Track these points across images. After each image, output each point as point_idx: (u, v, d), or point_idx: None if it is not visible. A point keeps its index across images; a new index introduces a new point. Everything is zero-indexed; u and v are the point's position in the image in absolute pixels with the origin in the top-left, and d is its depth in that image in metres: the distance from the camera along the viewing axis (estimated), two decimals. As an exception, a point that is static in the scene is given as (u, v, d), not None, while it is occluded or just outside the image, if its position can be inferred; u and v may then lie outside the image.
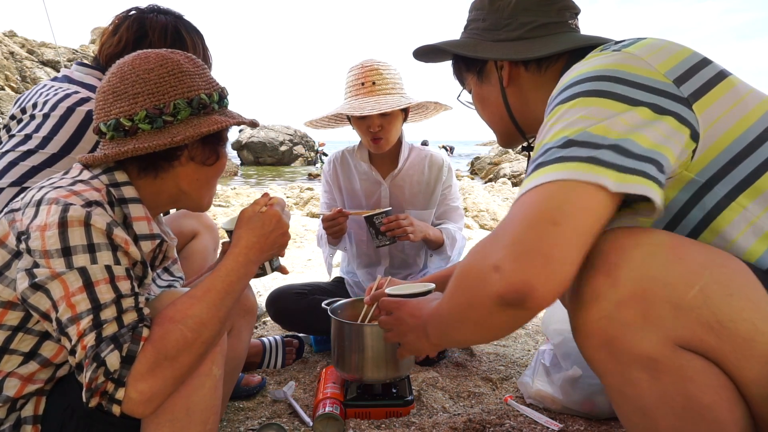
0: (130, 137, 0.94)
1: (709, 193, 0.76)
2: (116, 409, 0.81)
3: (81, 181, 0.92)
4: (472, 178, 11.86)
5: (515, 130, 1.09)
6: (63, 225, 0.83)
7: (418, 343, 0.99)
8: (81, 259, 0.83)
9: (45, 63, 13.89)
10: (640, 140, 0.69)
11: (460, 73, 1.16)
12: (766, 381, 0.67)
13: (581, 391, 1.37)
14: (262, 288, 2.79)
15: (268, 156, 25.64)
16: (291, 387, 1.59)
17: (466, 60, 1.11)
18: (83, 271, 0.83)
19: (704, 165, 0.76)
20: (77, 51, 15.22)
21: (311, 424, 1.39)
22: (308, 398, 1.57)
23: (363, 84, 1.85)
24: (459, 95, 1.19)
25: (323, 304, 1.57)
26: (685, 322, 0.67)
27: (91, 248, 0.84)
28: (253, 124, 1.07)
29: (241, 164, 25.02)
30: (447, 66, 1.20)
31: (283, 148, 25.81)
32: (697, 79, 0.77)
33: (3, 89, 12.44)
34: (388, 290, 1.27)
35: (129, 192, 0.97)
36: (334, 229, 1.88)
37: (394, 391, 1.50)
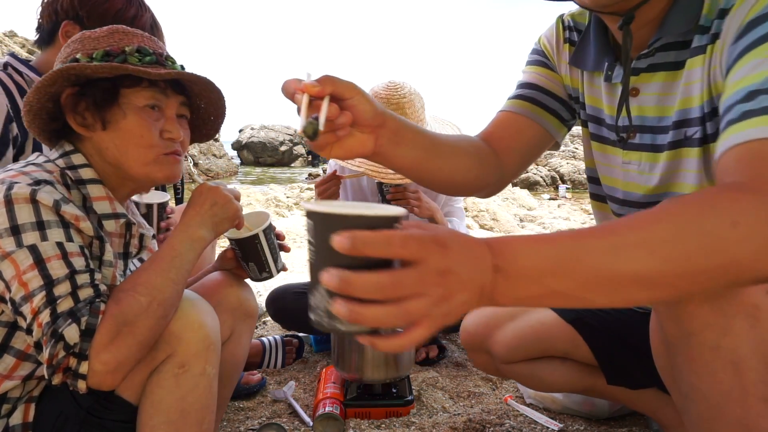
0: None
1: None
2: (82, 385, 0.80)
3: (33, 163, 0.92)
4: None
5: None
6: (9, 203, 0.82)
7: (465, 306, 0.56)
8: (30, 237, 0.82)
9: (45, 63, 13.88)
10: None
11: None
12: None
13: (581, 391, 1.37)
14: (262, 288, 2.79)
15: (268, 156, 25.65)
16: (291, 387, 1.59)
17: None
18: (33, 249, 0.82)
19: None
20: (77, 51, 15.18)
21: (311, 424, 1.39)
22: (308, 398, 1.57)
23: None
24: None
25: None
26: None
27: (40, 225, 0.83)
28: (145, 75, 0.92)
29: (241, 164, 25.03)
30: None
31: (283, 148, 25.82)
32: None
33: (3, 89, 12.41)
34: (332, 208, 0.56)
35: (86, 173, 0.95)
36: (328, 192, 1.85)
37: (394, 391, 1.50)
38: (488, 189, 1.09)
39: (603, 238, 0.58)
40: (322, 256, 0.54)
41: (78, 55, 0.93)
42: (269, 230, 1.20)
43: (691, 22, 0.81)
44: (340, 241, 0.50)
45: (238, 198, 1.08)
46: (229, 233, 1.17)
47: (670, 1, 0.84)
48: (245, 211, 1.15)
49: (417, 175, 0.97)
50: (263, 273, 1.21)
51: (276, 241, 1.24)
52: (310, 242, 0.55)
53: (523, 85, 1.13)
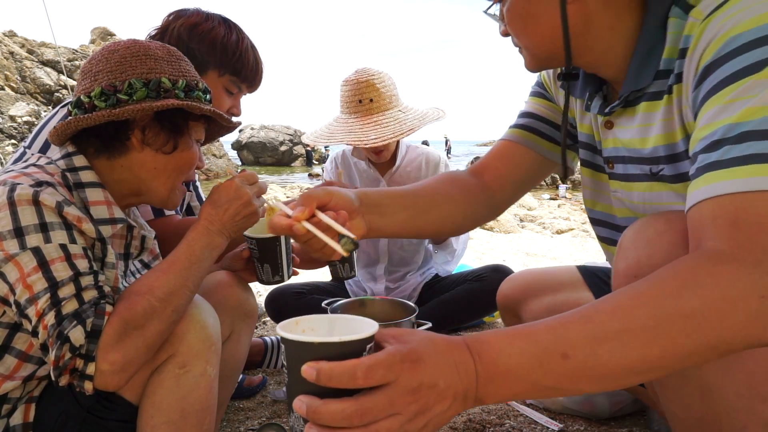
0: (87, 114, 0.92)
1: None
2: (89, 386, 0.80)
3: (35, 165, 0.92)
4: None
5: (561, 56, 0.88)
6: (12, 205, 0.82)
7: (447, 414, 0.58)
8: (34, 239, 0.82)
9: (45, 63, 13.89)
10: None
11: None
12: None
13: (581, 391, 1.37)
14: (262, 288, 2.79)
15: (268, 156, 25.65)
16: (291, 387, 1.59)
17: None
18: (37, 251, 0.82)
19: None
20: (77, 51, 15.23)
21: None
22: (308, 398, 1.56)
23: (360, 101, 1.85)
24: (488, 8, 0.96)
25: (323, 304, 1.57)
26: None
27: (43, 227, 0.83)
28: (215, 114, 0.99)
29: (241, 164, 25.02)
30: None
31: (283, 148, 25.81)
32: None
33: (3, 89, 12.44)
34: (298, 335, 0.58)
35: (87, 176, 0.95)
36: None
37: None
38: (481, 222, 1.15)
39: (582, 329, 0.57)
40: (294, 379, 0.56)
41: (163, 78, 0.95)
42: (288, 236, 1.20)
43: (652, 74, 0.80)
44: (306, 371, 0.52)
45: (264, 191, 1.07)
46: (252, 232, 1.16)
47: (631, 48, 0.84)
48: None
49: (410, 234, 1.06)
50: (276, 276, 1.20)
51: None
52: (283, 364, 0.56)
53: (521, 115, 1.17)
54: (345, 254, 0.75)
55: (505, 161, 1.14)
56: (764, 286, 0.54)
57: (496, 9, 0.96)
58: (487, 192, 1.12)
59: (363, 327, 0.61)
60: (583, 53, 0.89)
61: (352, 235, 0.75)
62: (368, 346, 0.57)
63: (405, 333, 0.60)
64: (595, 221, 1.08)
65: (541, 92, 1.16)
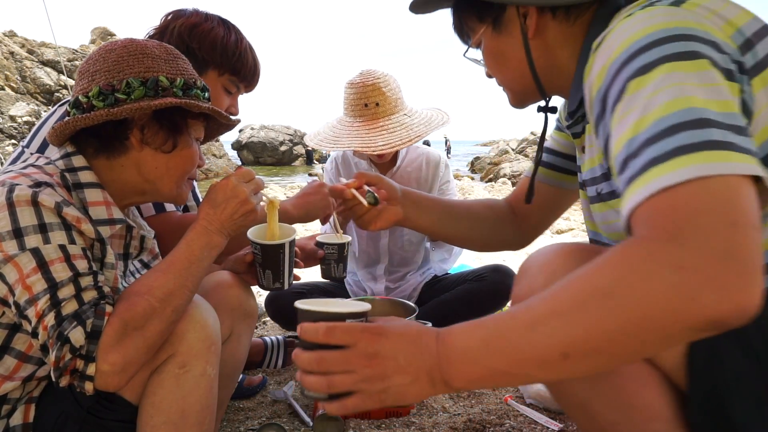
0: (86, 114, 0.92)
1: None
2: (89, 387, 0.80)
3: (34, 165, 0.92)
4: (472, 178, 11.89)
5: (535, 88, 0.96)
6: (11, 206, 0.82)
7: (410, 388, 0.65)
8: (33, 240, 0.82)
9: (45, 63, 13.89)
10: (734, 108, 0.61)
11: (466, 24, 0.99)
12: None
13: (581, 391, 1.37)
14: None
15: (268, 156, 25.65)
16: (291, 387, 1.59)
17: (479, 7, 0.94)
18: (36, 252, 0.82)
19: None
20: (77, 51, 15.22)
21: (311, 424, 1.39)
22: (308, 398, 1.57)
23: (366, 105, 1.84)
24: (465, 51, 1.04)
25: (323, 304, 1.57)
26: None
27: (42, 228, 0.83)
28: (214, 112, 1.00)
29: (242, 164, 25.05)
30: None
31: (283, 148, 25.81)
32: (760, 49, 0.69)
33: (3, 89, 12.44)
34: (306, 305, 0.75)
35: (86, 177, 0.95)
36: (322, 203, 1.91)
37: (394, 391, 1.50)
38: (507, 246, 1.31)
39: (521, 314, 0.61)
40: (300, 338, 0.72)
41: (161, 77, 0.94)
42: (293, 244, 1.20)
43: (578, 99, 0.87)
44: (298, 329, 0.70)
45: (261, 188, 1.07)
46: (256, 237, 1.17)
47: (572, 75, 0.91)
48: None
49: (438, 235, 1.30)
50: (276, 283, 1.20)
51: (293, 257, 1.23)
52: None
53: (543, 149, 1.25)
54: (366, 204, 1.12)
55: (524, 196, 1.24)
56: (680, 257, 0.52)
57: (474, 53, 1.04)
58: (515, 220, 1.28)
59: (349, 308, 0.75)
60: (553, 84, 0.96)
61: (375, 194, 1.08)
62: (349, 321, 0.71)
63: (391, 318, 0.71)
64: (590, 240, 1.12)
65: (558, 125, 1.21)
